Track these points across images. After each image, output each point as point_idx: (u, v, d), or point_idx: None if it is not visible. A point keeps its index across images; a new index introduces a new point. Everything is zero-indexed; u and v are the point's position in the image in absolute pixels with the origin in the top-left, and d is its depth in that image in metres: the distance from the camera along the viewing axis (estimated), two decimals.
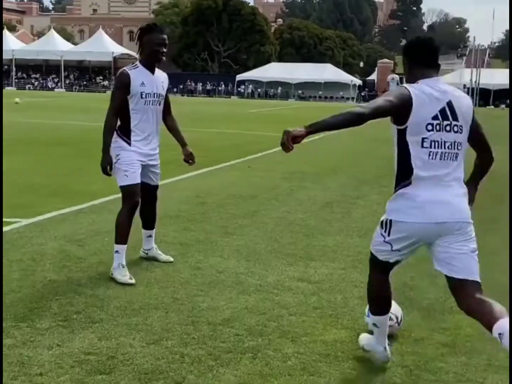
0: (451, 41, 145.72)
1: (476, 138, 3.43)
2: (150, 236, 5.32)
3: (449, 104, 3.24)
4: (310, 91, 65.53)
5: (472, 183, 3.58)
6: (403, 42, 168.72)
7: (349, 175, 10.48)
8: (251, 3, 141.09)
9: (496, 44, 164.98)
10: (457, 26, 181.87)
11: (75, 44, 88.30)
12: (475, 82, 41.44)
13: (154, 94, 4.95)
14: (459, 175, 3.30)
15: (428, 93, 3.20)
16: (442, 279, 5.04)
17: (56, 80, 78.00)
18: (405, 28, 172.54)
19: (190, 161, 5.46)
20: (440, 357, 3.64)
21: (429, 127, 3.20)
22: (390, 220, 3.39)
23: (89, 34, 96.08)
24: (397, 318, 3.90)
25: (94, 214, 6.93)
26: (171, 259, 5.27)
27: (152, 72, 4.95)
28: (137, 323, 3.98)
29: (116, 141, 4.90)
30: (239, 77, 69.46)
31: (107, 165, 4.81)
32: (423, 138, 3.20)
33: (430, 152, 3.21)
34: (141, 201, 5.04)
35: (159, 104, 5.04)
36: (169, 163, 10.99)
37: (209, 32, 76.93)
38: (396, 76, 39.63)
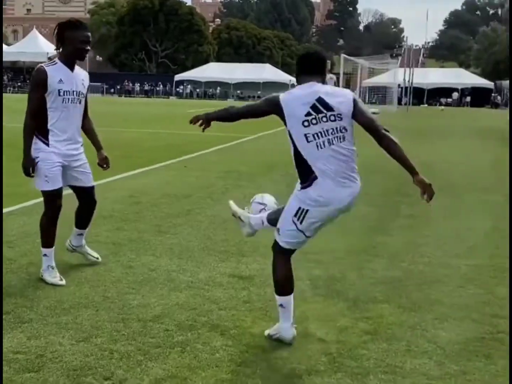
0: (387, 41, 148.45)
1: (364, 122, 3.84)
2: (81, 234, 5.23)
3: (319, 99, 3.71)
4: (249, 91, 65.74)
5: None
6: (340, 42, 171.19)
7: (283, 173, 10.59)
8: (189, 3, 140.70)
9: (430, 44, 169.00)
10: (392, 27, 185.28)
11: (8, 45, 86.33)
12: (408, 81, 42.34)
13: (73, 91, 4.75)
14: (351, 150, 3.82)
15: (298, 96, 3.73)
16: (369, 271, 5.25)
17: None
18: (342, 28, 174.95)
19: (105, 165, 5.28)
20: (363, 345, 3.78)
21: (305, 124, 3.67)
22: (307, 210, 3.73)
23: (23, 34, 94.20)
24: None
25: (25, 216, 6.88)
26: (100, 259, 5.24)
27: (72, 69, 4.77)
28: (67, 322, 4.00)
29: (35, 142, 4.72)
30: (178, 77, 69.21)
31: (29, 167, 4.70)
32: (305, 134, 3.66)
33: (317, 143, 3.67)
34: (79, 202, 5.10)
35: (79, 103, 4.85)
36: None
37: (146, 32, 76.38)
38: (334, 76, 40.31)
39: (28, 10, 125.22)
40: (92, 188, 5.18)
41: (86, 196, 5.14)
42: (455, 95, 62.97)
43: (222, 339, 3.81)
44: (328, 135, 3.69)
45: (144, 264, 5.26)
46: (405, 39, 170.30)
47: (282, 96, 3.73)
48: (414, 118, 33.35)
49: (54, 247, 4.87)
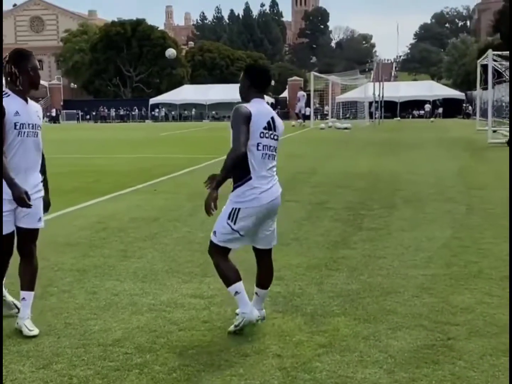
0: (358, 57, 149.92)
1: None
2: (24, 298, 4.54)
3: (272, 118, 4.30)
4: (224, 111, 65.94)
5: None
6: (313, 59, 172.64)
7: None
8: (161, 27, 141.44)
9: (402, 57, 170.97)
10: (363, 42, 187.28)
11: None
12: (379, 95, 42.85)
13: (29, 124, 4.43)
14: (275, 169, 4.38)
15: (261, 111, 4.23)
16: (329, 285, 5.38)
17: None
18: (314, 45, 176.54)
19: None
20: (317, 357, 3.89)
21: (261, 135, 4.21)
22: (238, 209, 4.27)
23: None
24: None
25: None
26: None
27: (26, 100, 4.48)
28: (28, 350, 4.07)
29: None
30: (152, 100, 69.38)
31: (23, 195, 4.23)
32: (258, 143, 4.20)
33: (262, 154, 4.22)
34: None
35: (37, 136, 4.52)
36: (74, 191, 11.13)
37: (120, 57, 76.64)
38: (305, 93, 40.85)
39: None
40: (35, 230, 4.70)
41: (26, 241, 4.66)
42: (427, 107, 63.66)
43: (180, 359, 3.90)
44: (269, 151, 4.26)
45: (108, 289, 5.35)
46: (376, 54, 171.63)
47: (251, 110, 4.15)
48: (383, 131, 33.70)
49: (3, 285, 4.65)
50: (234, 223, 4.31)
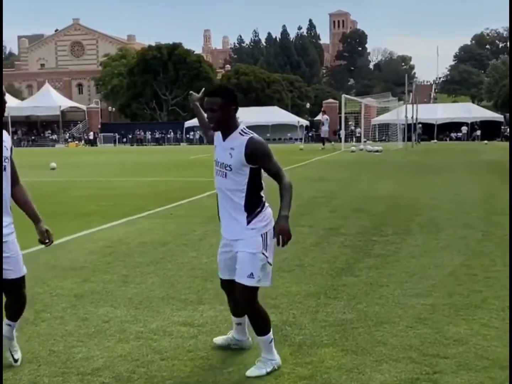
0: (396, 79, 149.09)
1: None
2: (10, 325, 4.31)
3: None
4: (258, 133, 65.52)
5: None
6: (351, 81, 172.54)
7: None
8: (200, 51, 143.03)
9: (441, 79, 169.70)
10: (402, 64, 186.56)
11: (24, 99, 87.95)
12: (412, 117, 42.51)
13: None
14: None
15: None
16: (323, 314, 5.26)
17: None
18: (352, 68, 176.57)
19: (47, 241, 4.34)
20: None
21: None
22: (266, 233, 4.01)
23: (37, 89, 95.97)
24: None
25: None
26: (18, 363, 4.27)
27: None
28: (6, 378, 4.04)
29: None
30: (187, 123, 69.95)
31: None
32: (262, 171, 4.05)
33: (262, 179, 4.08)
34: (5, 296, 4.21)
35: (4, 169, 3.99)
36: (91, 214, 11.19)
37: (156, 81, 77.63)
38: (328, 117, 40.96)
39: (42, 65, 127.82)
40: (19, 280, 4.23)
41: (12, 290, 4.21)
42: (464, 129, 62.96)
43: None
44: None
45: (100, 315, 5.31)
46: (416, 75, 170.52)
47: (265, 141, 4.04)
48: (415, 154, 33.34)
49: None
50: (267, 251, 4.03)
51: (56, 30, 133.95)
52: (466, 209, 10.85)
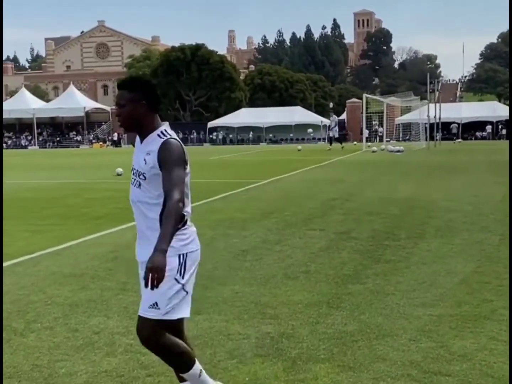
0: (422, 77, 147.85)
1: None
2: None
3: None
4: (281, 134, 66.04)
5: None
6: (376, 80, 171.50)
7: (279, 219, 10.43)
8: (224, 52, 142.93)
9: (467, 77, 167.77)
10: (428, 63, 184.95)
11: (49, 101, 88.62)
12: (434, 117, 41.92)
13: None
14: None
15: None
16: (323, 326, 5.01)
17: (29, 137, 78.09)
18: (377, 67, 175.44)
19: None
20: None
21: (187, 170, 3.36)
22: (186, 254, 3.37)
23: (63, 90, 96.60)
24: None
25: None
26: None
27: None
28: None
29: None
30: (211, 124, 69.95)
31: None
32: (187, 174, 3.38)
33: (188, 188, 3.42)
34: None
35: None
36: (103, 217, 11.04)
37: (179, 82, 77.63)
38: (336, 117, 40.75)
39: (68, 66, 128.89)
40: None
41: None
42: (489, 128, 62.03)
43: None
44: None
45: (91, 326, 5.12)
46: (441, 74, 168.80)
47: (177, 139, 3.36)
48: (437, 154, 32.84)
49: None
50: (183, 276, 3.34)
51: (82, 32, 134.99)
52: (484, 211, 10.51)
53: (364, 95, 38.22)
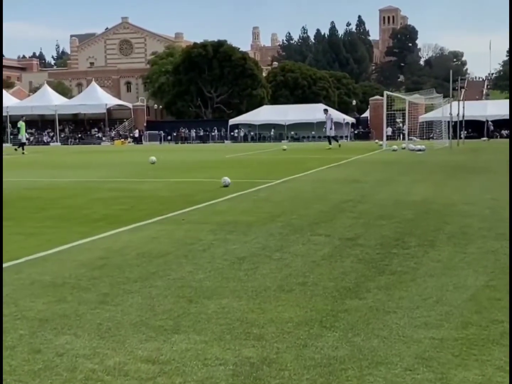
0: (447, 75, 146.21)
1: None
2: None
3: None
4: (303, 131, 65.48)
5: None
6: (401, 78, 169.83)
7: (285, 222, 9.90)
8: (248, 48, 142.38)
9: (494, 75, 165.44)
10: (454, 60, 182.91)
11: (73, 97, 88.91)
12: (458, 115, 41.01)
13: None
14: None
15: None
16: (311, 350, 4.48)
17: (51, 134, 78.37)
18: (402, 64, 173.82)
19: None
20: None
21: None
22: None
23: (86, 87, 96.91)
24: None
25: None
26: None
27: None
28: None
29: None
30: (232, 121, 69.61)
31: None
32: None
33: None
34: None
35: None
36: (102, 219, 10.59)
37: (201, 79, 77.46)
38: (330, 114, 40.01)
39: (92, 63, 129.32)
40: None
41: None
42: None
43: None
44: None
45: (56, 346, 4.64)
46: (468, 71, 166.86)
47: None
48: (459, 153, 32.04)
49: None
50: None
51: (106, 29, 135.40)
52: (502, 217, 9.87)
53: (385, 93, 37.46)
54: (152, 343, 4.69)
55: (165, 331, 4.96)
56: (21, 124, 45.51)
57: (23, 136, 45.69)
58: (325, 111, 42.34)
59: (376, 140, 41.26)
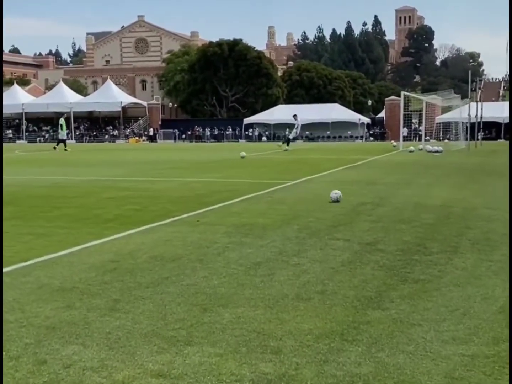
0: (464, 76, 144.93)
1: None
2: None
3: None
4: (318, 131, 65.08)
5: None
6: (417, 78, 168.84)
7: (302, 226, 9.62)
8: (264, 48, 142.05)
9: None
10: (470, 61, 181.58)
11: (88, 95, 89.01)
12: (476, 116, 40.48)
13: None
14: None
15: None
16: (333, 366, 4.19)
17: (67, 131, 78.36)
18: (418, 64, 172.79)
19: None
20: None
21: None
22: None
23: (102, 85, 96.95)
24: None
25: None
26: None
27: None
28: None
29: None
30: (247, 120, 69.35)
31: None
32: None
33: None
34: None
35: None
36: (113, 220, 10.35)
37: (216, 77, 77.27)
38: (295, 116, 39.72)
39: (107, 61, 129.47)
40: None
41: None
42: None
43: None
44: None
45: (63, 357, 4.40)
46: (484, 72, 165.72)
47: None
48: (477, 155, 31.62)
49: None
50: None
51: (122, 27, 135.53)
52: None
53: (402, 93, 37.06)
54: (163, 356, 4.43)
55: (177, 342, 4.70)
56: (62, 121, 45.54)
57: (63, 133, 45.78)
58: (295, 116, 41.84)
59: (392, 141, 40.83)
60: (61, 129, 45.76)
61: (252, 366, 4.21)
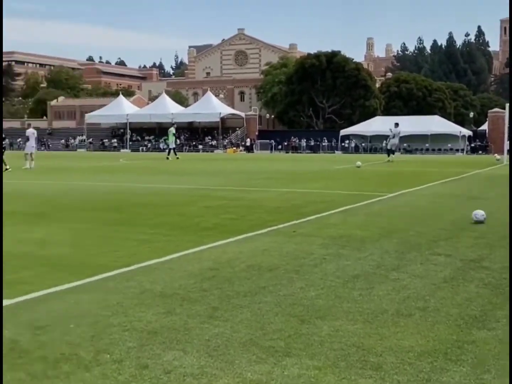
0: None
1: None
2: None
3: None
4: (417, 143, 63.86)
5: None
6: None
7: (402, 239, 9.42)
8: (362, 59, 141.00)
9: None
10: None
11: (189, 106, 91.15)
12: None
13: None
14: None
15: None
16: None
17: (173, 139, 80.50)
18: None
19: None
20: None
21: None
22: None
23: (202, 96, 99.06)
24: None
25: (85, 294, 6.34)
26: None
27: None
28: None
29: None
30: (343, 131, 68.94)
31: None
32: None
33: None
34: None
35: None
36: (211, 229, 10.48)
37: (314, 89, 77.36)
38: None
39: (208, 73, 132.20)
40: None
41: None
42: None
43: None
44: None
45: (164, 363, 4.46)
46: None
47: None
48: None
49: None
50: None
51: (222, 40, 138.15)
52: None
53: (507, 105, 35.76)
54: (262, 366, 4.42)
55: (276, 352, 4.68)
56: (170, 130, 46.50)
57: (172, 142, 46.68)
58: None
59: (495, 155, 39.53)
60: (169, 138, 46.70)
61: (352, 381, 4.13)
